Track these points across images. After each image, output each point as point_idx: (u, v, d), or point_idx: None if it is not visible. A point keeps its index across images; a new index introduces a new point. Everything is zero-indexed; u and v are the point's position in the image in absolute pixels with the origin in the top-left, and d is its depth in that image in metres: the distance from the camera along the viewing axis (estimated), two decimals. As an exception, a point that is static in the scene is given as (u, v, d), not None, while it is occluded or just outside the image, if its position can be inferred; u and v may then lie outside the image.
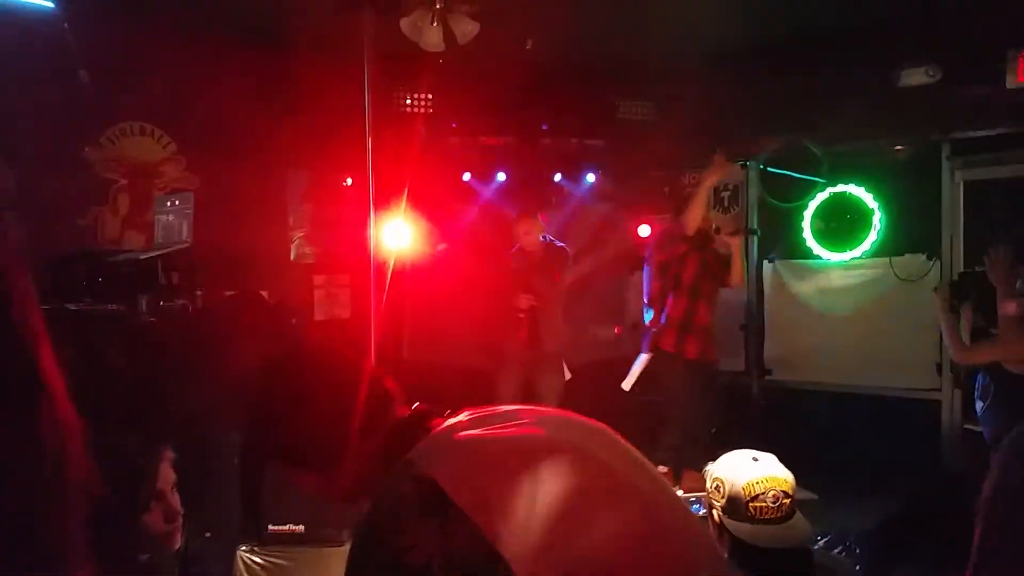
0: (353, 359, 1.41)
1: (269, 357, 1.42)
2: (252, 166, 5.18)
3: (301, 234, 5.89)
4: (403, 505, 1.15)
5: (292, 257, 5.90)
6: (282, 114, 5.02)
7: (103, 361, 3.52)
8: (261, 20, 4.71)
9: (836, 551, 4.11)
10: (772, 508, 1.91)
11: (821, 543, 4.12)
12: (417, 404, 1.39)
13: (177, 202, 4.47)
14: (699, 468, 2.22)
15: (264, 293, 4.71)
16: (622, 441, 1.35)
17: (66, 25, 4.18)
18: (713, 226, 5.37)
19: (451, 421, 1.33)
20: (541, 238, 5.54)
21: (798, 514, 1.96)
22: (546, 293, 5.54)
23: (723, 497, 1.95)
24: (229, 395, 3.86)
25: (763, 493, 1.92)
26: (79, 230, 4.88)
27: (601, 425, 1.36)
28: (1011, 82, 4.81)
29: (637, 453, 1.35)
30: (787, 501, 1.92)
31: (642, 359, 5.46)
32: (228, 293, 4.41)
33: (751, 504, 1.91)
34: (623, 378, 6.69)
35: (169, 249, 4.38)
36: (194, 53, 4.74)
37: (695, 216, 5.18)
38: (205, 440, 3.72)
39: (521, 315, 5.52)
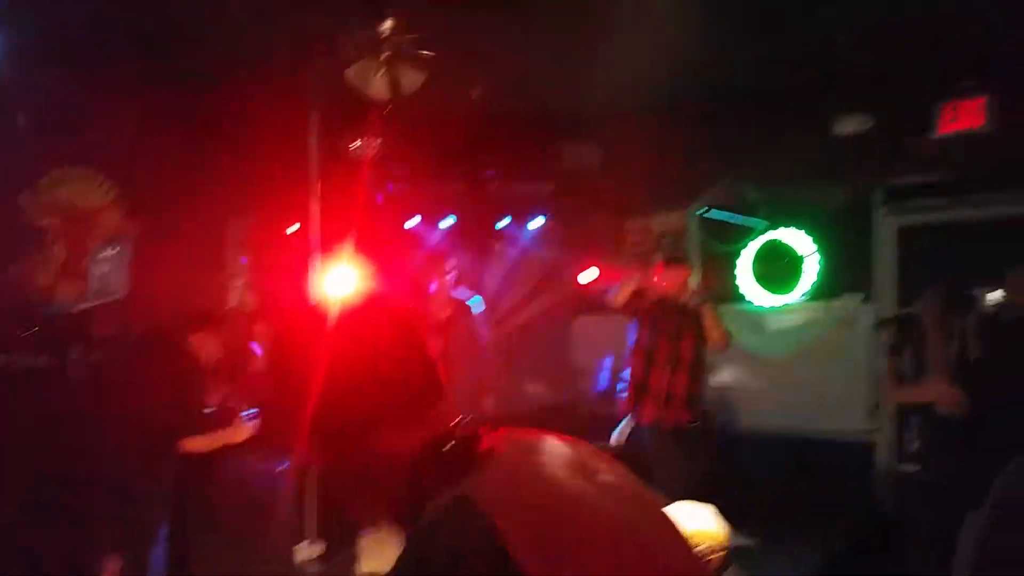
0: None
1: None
2: (194, 213, 5.05)
3: (242, 281, 5.75)
4: (467, 555, 1.05)
5: (232, 304, 5.74)
6: (226, 160, 4.93)
7: (28, 417, 3.38)
8: (206, 65, 4.64)
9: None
10: None
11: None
12: (460, 419, 1.27)
13: (114, 250, 4.32)
14: None
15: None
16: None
17: (2, 68, 4.05)
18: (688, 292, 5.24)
19: (507, 448, 1.22)
20: (453, 293, 5.49)
21: (733, 567, 1.96)
22: (454, 346, 5.37)
23: None
24: (153, 449, 3.76)
25: (696, 547, 1.92)
26: (11, 279, 4.66)
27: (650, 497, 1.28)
28: (938, 132, 5.04)
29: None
30: (721, 554, 1.93)
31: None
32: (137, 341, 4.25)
33: None
34: (566, 425, 6.68)
35: (105, 299, 4.24)
36: (136, 98, 4.62)
37: (620, 296, 5.25)
38: (134, 498, 3.62)
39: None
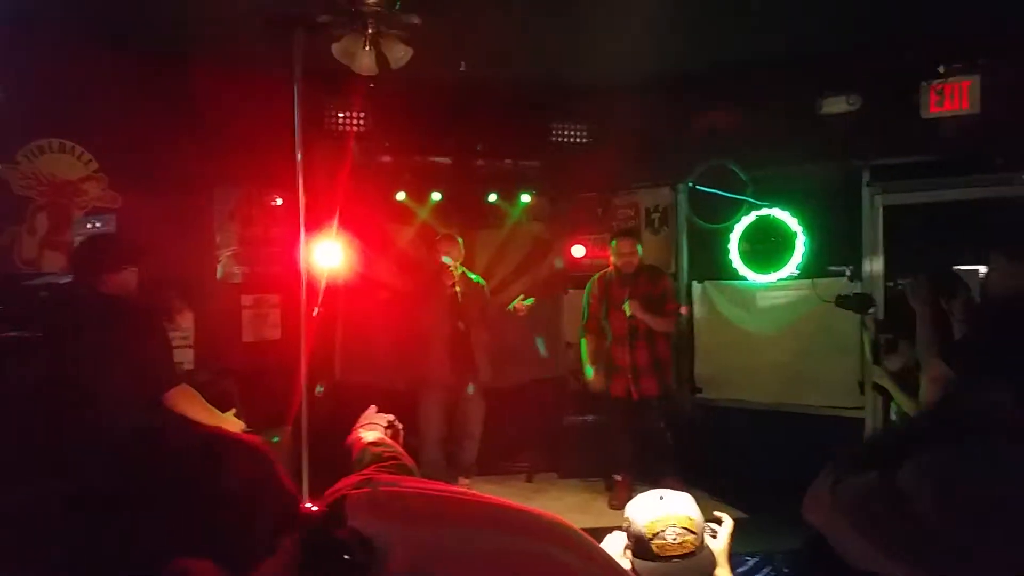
0: (254, 446, 1.10)
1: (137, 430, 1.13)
2: (178, 184, 5.04)
3: (229, 253, 5.74)
4: None
5: (219, 276, 5.75)
6: (210, 131, 4.91)
7: (22, 393, 3.36)
8: (189, 36, 4.61)
9: (764, 572, 4.19)
10: (674, 545, 1.94)
11: (750, 563, 4.19)
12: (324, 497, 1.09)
13: (98, 223, 4.31)
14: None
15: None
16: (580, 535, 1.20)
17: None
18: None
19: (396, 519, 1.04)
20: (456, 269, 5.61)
21: (706, 548, 2.00)
22: (476, 318, 5.66)
23: (632, 537, 1.99)
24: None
25: (662, 531, 1.96)
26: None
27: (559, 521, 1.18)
28: (925, 112, 5.04)
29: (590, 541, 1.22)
30: (690, 537, 1.96)
31: None
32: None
33: (653, 542, 1.95)
34: (555, 398, 6.75)
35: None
36: (118, 68, 4.60)
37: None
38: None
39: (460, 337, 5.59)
